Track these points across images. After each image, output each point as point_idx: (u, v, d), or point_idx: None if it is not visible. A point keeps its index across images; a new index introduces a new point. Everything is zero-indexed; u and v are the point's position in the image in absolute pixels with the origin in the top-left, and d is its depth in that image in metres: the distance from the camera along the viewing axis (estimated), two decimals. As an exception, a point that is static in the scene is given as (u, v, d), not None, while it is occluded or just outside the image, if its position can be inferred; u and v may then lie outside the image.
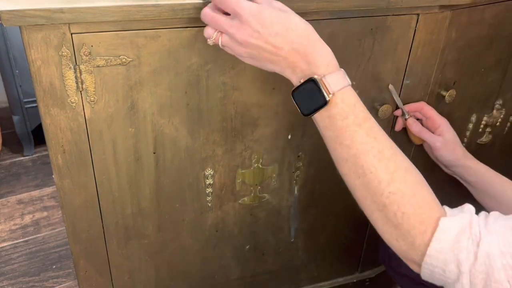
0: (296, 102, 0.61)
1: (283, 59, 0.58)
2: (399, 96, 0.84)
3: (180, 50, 0.66)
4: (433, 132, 0.87)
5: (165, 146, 0.74)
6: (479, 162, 0.86)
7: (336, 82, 0.57)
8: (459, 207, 0.58)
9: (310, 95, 0.58)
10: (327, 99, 0.57)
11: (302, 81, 0.58)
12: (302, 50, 0.57)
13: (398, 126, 0.88)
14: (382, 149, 0.58)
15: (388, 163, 0.57)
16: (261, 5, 0.57)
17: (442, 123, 0.86)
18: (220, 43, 0.60)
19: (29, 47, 0.59)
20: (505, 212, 0.58)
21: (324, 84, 0.57)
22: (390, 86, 0.82)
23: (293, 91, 0.60)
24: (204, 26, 0.62)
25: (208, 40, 0.60)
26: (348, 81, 0.59)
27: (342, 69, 0.60)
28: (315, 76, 0.57)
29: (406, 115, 0.85)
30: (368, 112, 0.60)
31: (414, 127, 0.86)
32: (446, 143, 0.86)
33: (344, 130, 0.58)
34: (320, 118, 0.60)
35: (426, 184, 0.59)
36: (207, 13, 0.59)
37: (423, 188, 0.58)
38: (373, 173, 0.57)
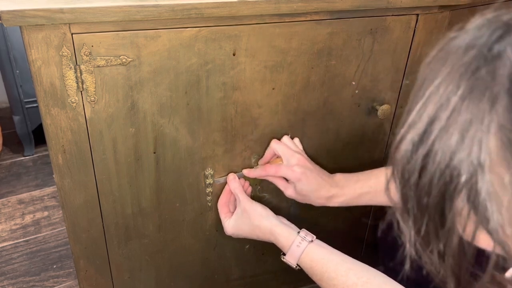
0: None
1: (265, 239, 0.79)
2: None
3: (180, 50, 0.66)
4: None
5: (165, 146, 0.74)
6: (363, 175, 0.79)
7: (293, 257, 0.73)
8: None
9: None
10: (297, 269, 0.75)
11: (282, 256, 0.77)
12: (271, 240, 0.78)
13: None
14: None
15: None
16: (233, 229, 0.81)
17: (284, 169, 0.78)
18: None
19: (30, 47, 0.59)
20: None
21: (287, 261, 0.75)
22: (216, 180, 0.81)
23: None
24: (204, 27, 0.62)
25: None
26: (303, 246, 0.72)
27: (298, 236, 0.74)
28: (282, 258, 0.76)
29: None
30: (327, 259, 0.71)
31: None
32: (300, 190, 0.78)
33: (316, 281, 0.72)
34: None
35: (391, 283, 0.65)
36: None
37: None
38: None
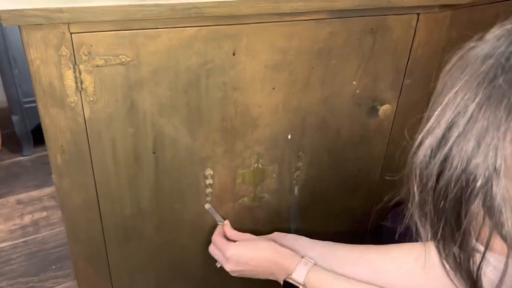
0: None
1: (263, 273, 0.77)
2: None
3: (180, 50, 0.66)
4: None
5: (165, 146, 0.74)
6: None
7: (301, 274, 0.73)
8: None
9: None
10: None
11: (282, 283, 0.76)
12: (272, 264, 0.76)
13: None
14: None
15: None
16: (238, 248, 0.78)
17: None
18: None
19: (28, 46, 0.59)
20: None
21: (293, 281, 0.74)
22: (207, 206, 0.82)
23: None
24: (204, 26, 0.63)
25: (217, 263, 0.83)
26: (310, 264, 0.74)
27: (303, 259, 0.75)
28: (286, 279, 0.75)
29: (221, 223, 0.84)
30: (333, 276, 0.72)
31: (229, 232, 0.84)
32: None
33: None
34: None
35: None
36: (210, 249, 0.83)
37: None
38: None
